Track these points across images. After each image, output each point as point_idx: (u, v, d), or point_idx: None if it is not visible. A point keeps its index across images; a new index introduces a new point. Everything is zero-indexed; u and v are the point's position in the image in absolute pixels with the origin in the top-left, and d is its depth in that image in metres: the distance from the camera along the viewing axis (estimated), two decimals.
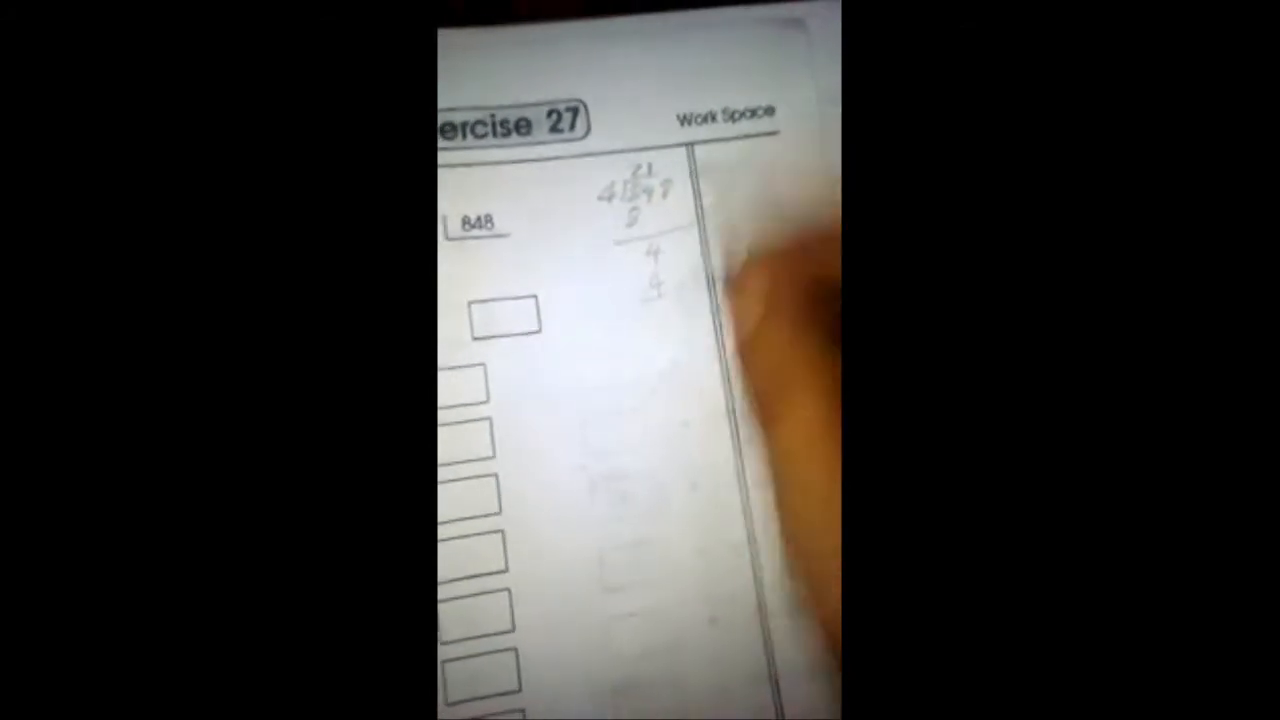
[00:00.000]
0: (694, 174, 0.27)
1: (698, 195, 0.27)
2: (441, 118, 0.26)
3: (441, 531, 0.25)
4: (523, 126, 0.27)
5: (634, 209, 0.27)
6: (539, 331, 0.26)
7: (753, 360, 0.23)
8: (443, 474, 0.25)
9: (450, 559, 0.25)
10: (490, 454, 0.25)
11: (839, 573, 0.20)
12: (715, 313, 0.27)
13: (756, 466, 0.25)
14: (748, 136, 0.28)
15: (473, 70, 0.27)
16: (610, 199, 0.27)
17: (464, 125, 0.26)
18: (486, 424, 0.26)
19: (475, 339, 0.26)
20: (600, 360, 0.26)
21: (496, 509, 0.25)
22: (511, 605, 0.25)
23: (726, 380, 0.26)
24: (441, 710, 0.24)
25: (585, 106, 0.27)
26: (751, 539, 0.26)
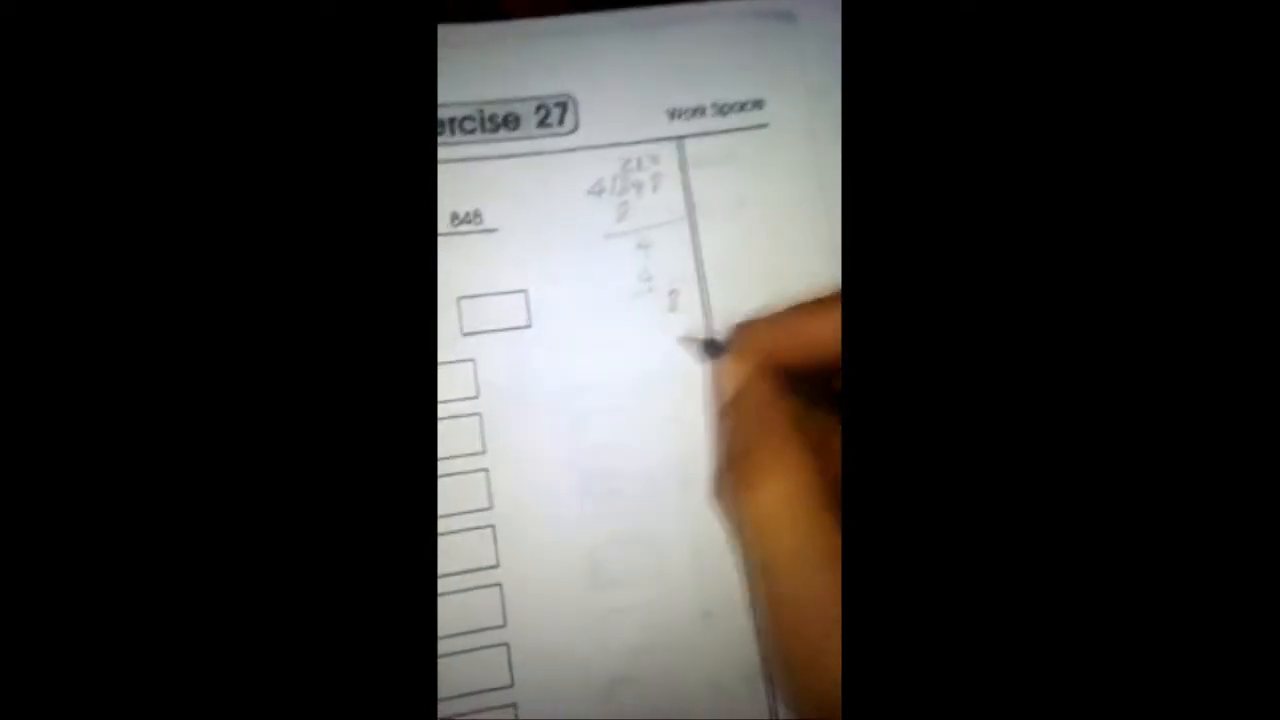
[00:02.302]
0: (684, 168, 0.27)
1: (688, 189, 0.27)
2: None
3: None
4: (511, 121, 0.27)
5: (624, 203, 0.27)
6: (529, 326, 0.26)
7: (730, 424, 0.23)
8: None
9: (441, 555, 0.25)
10: (480, 449, 0.25)
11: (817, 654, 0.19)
12: (705, 307, 0.27)
13: None
14: (737, 130, 0.28)
15: (460, 65, 0.27)
16: (600, 193, 0.27)
17: (452, 121, 0.26)
18: (477, 420, 0.25)
19: (465, 334, 0.26)
20: (591, 355, 0.26)
21: (487, 504, 0.25)
22: (503, 600, 0.25)
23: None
24: None
25: (574, 101, 0.27)
26: None
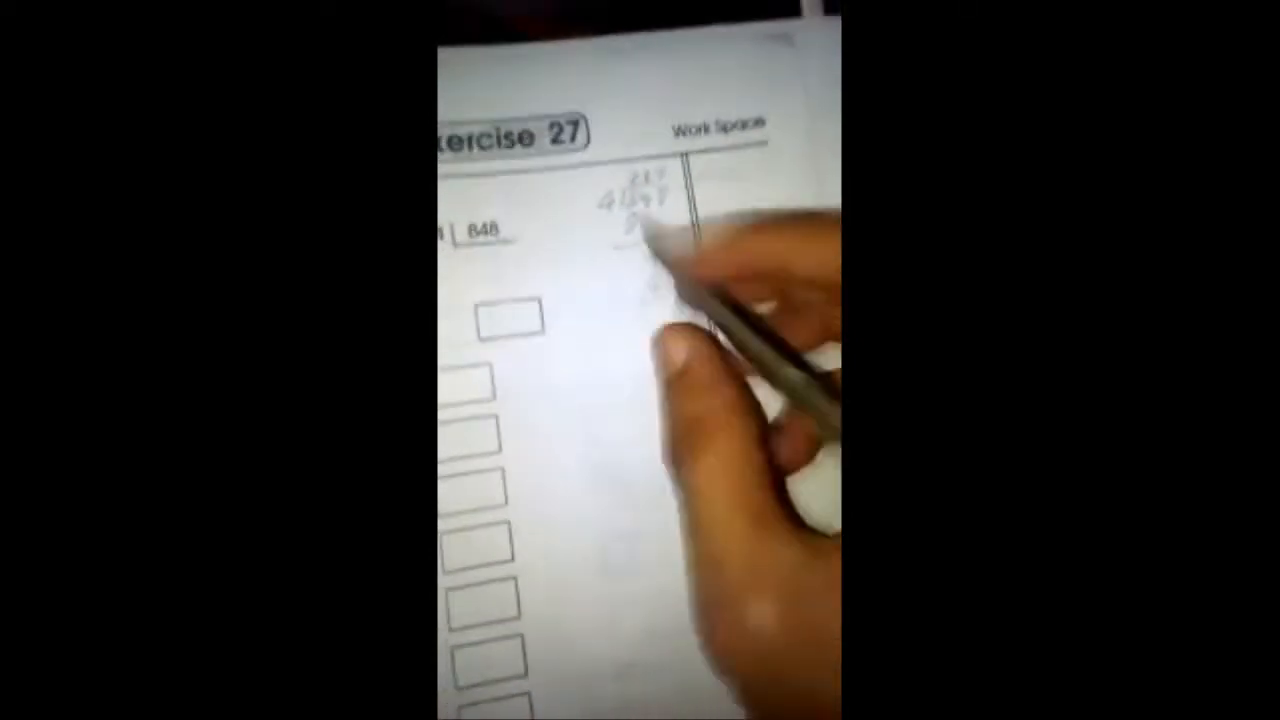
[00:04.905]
0: (689, 182, 0.29)
1: (692, 202, 0.29)
2: (448, 131, 0.28)
3: (450, 523, 0.26)
4: (525, 138, 0.28)
5: (632, 215, 0.28)
6: (542, 332, 0.27)
7: (679, 393, 0.24)
8: (451, 468, 0.26)
9: (459, 549, 0.26)
10: (496, 449, 0.27)
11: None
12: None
13: None
14: (739, 147, 0.29)
15: (478, 86, 0.28)
16: (609, 206, 0.28)
17: (470, 138, 0.28)
18: (493, 421, 0.27)
19: (481, 340, 0.27)
20: (600, 359, 0.27)
21: (503, 501, 0.26)
22: (518, 592, 0.26)
23: None
24: (451, 695, 0.25)
25: (585, 119, 0.29)
26: None
